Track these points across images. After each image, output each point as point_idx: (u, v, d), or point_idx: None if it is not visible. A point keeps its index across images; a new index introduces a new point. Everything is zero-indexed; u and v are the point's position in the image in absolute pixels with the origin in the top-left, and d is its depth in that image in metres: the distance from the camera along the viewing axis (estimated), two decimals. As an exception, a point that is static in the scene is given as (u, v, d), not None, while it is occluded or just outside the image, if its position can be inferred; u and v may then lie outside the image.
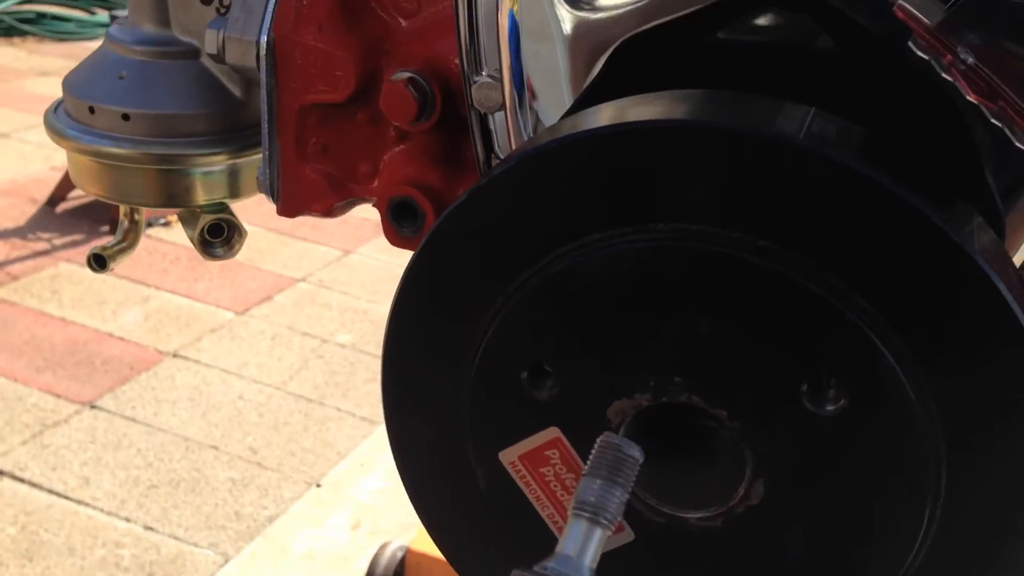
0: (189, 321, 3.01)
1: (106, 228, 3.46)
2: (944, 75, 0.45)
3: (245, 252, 2.97)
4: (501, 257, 0.48)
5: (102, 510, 2.26)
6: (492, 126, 0.61)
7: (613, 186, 0.45)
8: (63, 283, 3.12)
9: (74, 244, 3.36)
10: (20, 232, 3.35)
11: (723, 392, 0.46)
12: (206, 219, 0.68)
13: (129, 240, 0.72)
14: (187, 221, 0.69)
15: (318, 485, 2.39)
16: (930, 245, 0.42)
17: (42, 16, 5.08)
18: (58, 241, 3.35)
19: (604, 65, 0.55)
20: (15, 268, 3.17)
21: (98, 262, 0.69)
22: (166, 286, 3.17)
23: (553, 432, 0.50)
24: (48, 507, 2.25)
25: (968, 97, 0.45)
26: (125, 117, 0.64)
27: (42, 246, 3.31)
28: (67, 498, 2.29)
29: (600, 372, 0.48)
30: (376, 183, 0.66)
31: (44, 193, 3.51)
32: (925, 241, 0.42)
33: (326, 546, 2.23)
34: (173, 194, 0.67)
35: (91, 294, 3.08)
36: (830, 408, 0.45)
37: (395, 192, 0.65)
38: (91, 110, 0.65)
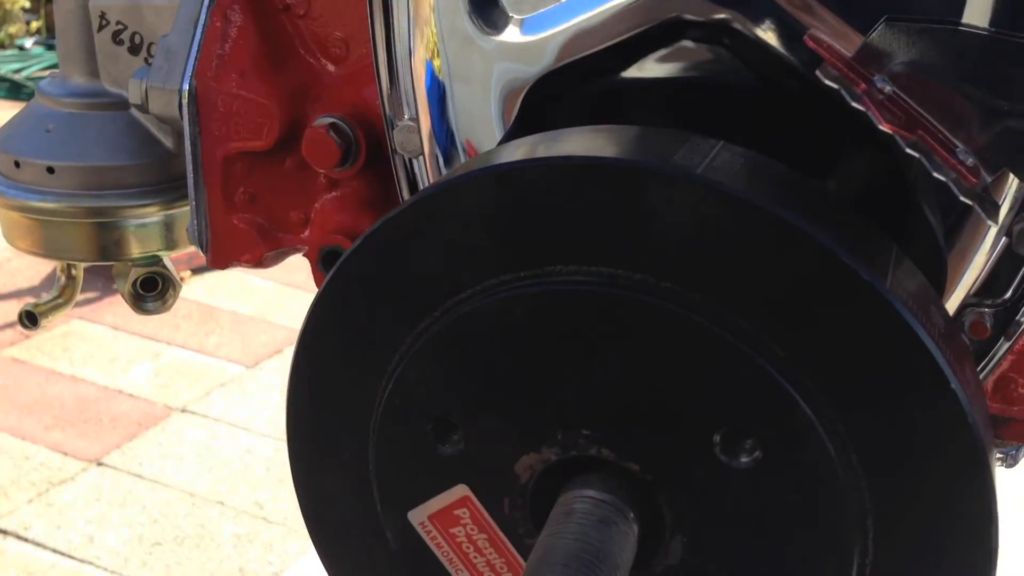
0: (199, 376, 3.00)
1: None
2: (855, 104, 0.43)
3: (257, 307, 2.96)
4: (398, 305, 0.45)
5: (106, 569, 2.23)
6: (417, 170, 0.59)
7: (505, 227, 0.43)
8: (75, 341, 3.14)
9: (87, 302, 3.37)
10: (34, 291, 3.38)
11: (633, 444, 0.43)
12: (138, 272, 0.66)
13: (65, 296, 0.70)
14: (120, 274, 0.67)
15: (323, 541, 2.35)
16: (842, 286, 0.40)
17: (64, 79, 5.18)
18: (72, 298, 3.37)
19: (520, 106, 0.53)
20: (28, 326, 3.18)
21: (29, 319, 0.67)
22: (177, 341, 3.17)
23: (462, 490, 0.47)
24: (52, 567, 2.23)
25: (881, 127, 0.42)
26: (50, 170, 0.63)
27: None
28: (71, 557, 2.27)
29: (505, 425, 0.45)
30: (307, 232, 0.64)
31: (59, 251, 3.53)
32: (837, 282, 0.40)
33: (330, 604, 2.19)
34: (104, 247, 0.66)
35: (102, 351, 3.09)
36: (745, 460, 0.42)
37: (326, 241, 0.63)
38: (16, 164, 0.64)
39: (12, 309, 3.28)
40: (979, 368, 0.51)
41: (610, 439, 0.44)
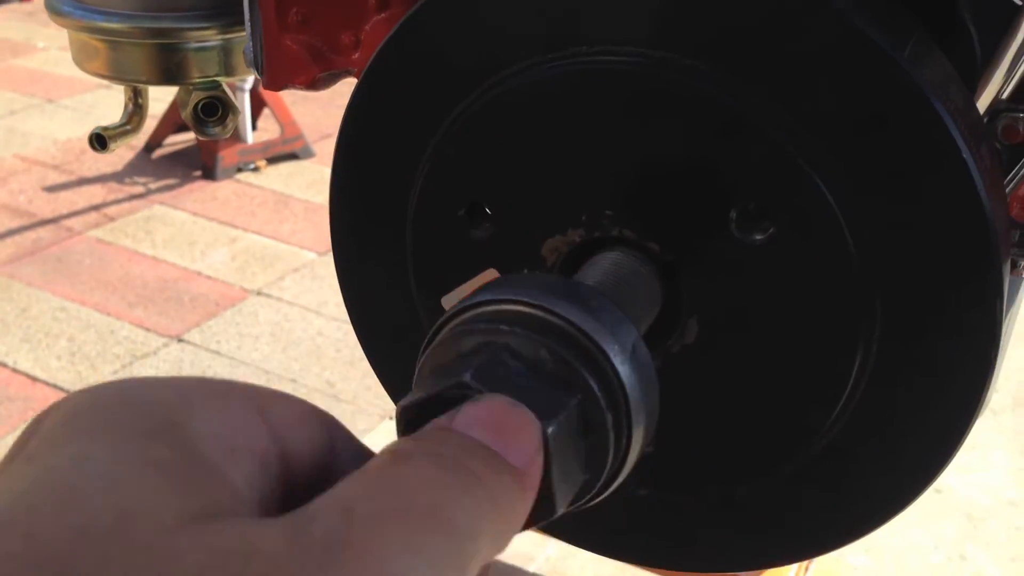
0: (273, 261, 3.09)
1: (198, 173, 3.57)
2: None
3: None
4: (433, 90, 0.47)
5: (185, 436, 2.35)
6: (462, -14, 0.60)
7: (533, 10, 0.44)
8: (156, 224, 3.24)
9: (168, 188, 3.47)
10: (118, 176, 3.49)
11: (654, 223, 0.45)
12: (199, 96, 0.69)
13: (133, 123, 0.74)
14: (182, 101, 0.70)
15: (391, 418, 2.43)
16: (863, 61, 0.40)
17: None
18: (153, 185, 3.48)
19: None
20: (112, 210, 3.30)
21: (99, 141, 0.71)
22: (253, 227, 3.26)
23: (491, 274, 0.49)
24: (135, 432, 2.35)
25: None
26: (115, -8, 0.66)
27: (138, 189, 3.44)
28: (153, 424, 2.38)
29: (533, 208, 0.47)
30: (358, 54, 0.66)
31: (141, 139, 3.63)
32: (853, 52, 0.40)
33: (395, 475, 2.28)
34: (167, 69, 0.69)
35: (182, 235, 3.19)
36: (758, 237, 0.43)
37: (374, 60, 0.65)
38: (84, -15, 0.67)
39: (97, 193, 3.40)
40: (1012, 173, 0.51)
41: (632, 219, 0.45)
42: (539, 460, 0.30)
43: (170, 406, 0.27)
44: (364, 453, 0.33)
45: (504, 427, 0.29)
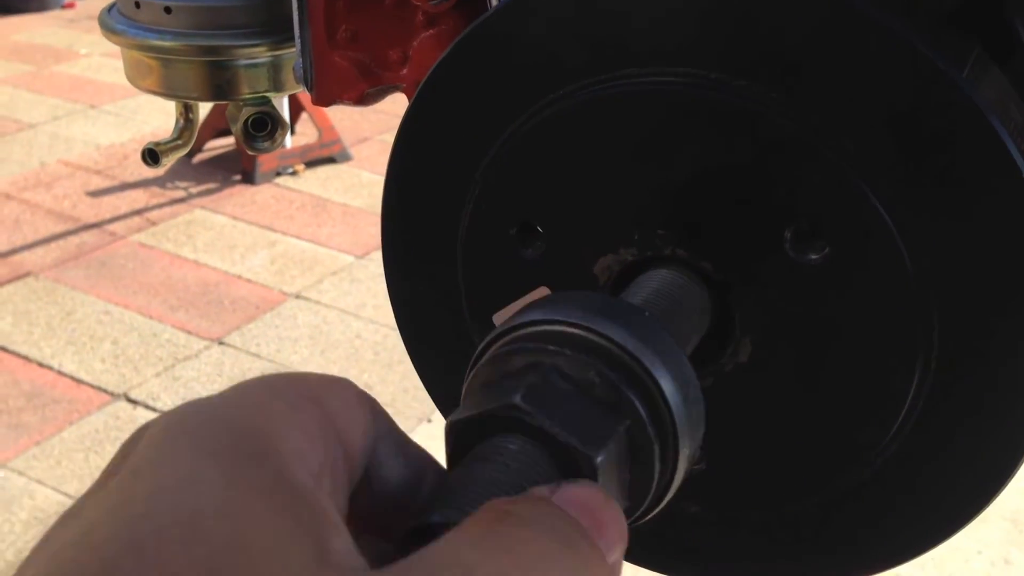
0: (312, 264, 3.12)
1: (238, 177, 3.61)
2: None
3: (367, 199, 3.04)
4: (484, 111, 0.48)
5: (226, 438, 2.37)
6: (510, 3, 0.60)
7: (583, 33, 0.44)
8: (197, 228, 3.28)
9: (208, 192, 3.51)
10: (159, 181, 3.54)
11: (707, 243, 0.45)
12: (249, 112, 0.70)
13: (184, 139, 0.75)
14: (233, 117, 0.71)
15: (429, 420, 2.45)
16: (921, 81, 0.40)
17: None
18: (194, 189, 3.52)
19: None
20: (154, 214, 3.35)
21: (151, 156, 0.72)
22: (292, 231, 3.29)
23: (543, 292, 0.50)
24: (178, 434, 2.38)
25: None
26: (167, 10, 0.67)
27: (179, 194, 3.48)
28: (195, 426, 2.42)
29: (584, 227, 0.47)
30: (406, 70, 0.67)
31: (181, 145, 3.67)
32: (916, 77, 0.40)
33: (434, 478, 2.29)
34: (218, 86, 0.70)
35: (222, 238, 3.23)
36: (814, 257, 0.43)
37: (423, 78, 0.65)
38: (136, 5, 0.68)
39: (139, 197, 3.45)
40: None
41: (684, 238, 0.45)
42: (622, 553, 0.31)
43: (260, 430, 0.27)
44: (399, 437, 0.34)
45: (599, 517, 0.30)
